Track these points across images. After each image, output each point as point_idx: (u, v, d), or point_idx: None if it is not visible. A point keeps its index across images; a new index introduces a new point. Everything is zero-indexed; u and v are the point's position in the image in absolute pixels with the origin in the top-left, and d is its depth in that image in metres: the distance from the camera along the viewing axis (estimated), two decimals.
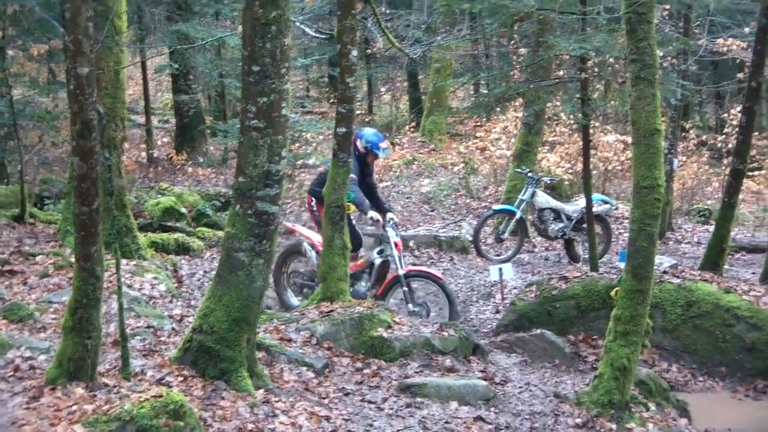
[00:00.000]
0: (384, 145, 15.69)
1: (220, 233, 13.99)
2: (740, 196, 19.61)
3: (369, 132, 15.77)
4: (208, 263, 16.96)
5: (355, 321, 13.22)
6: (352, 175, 14.47)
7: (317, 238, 15.45)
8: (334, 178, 14.06)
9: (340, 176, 14.06)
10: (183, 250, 17.22)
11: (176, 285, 14.87)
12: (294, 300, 15.98)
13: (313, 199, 15.55)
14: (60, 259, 14.95)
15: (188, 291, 14.60)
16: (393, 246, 14.87)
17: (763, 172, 27.85)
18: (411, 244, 19.86)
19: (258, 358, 11.52)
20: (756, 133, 24.39)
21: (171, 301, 13.93)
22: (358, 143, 15.34)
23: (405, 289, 14.86)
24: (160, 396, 9.90)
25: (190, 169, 24.22)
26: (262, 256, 11.16)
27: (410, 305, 14.89)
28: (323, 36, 19.76)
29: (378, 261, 15.27)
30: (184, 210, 19.04)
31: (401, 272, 14.80)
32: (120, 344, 10.80)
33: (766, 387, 14.08)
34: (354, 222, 15.80)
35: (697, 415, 12.90)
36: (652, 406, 12.51)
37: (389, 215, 15.40)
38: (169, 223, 18.33)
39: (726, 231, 17.36)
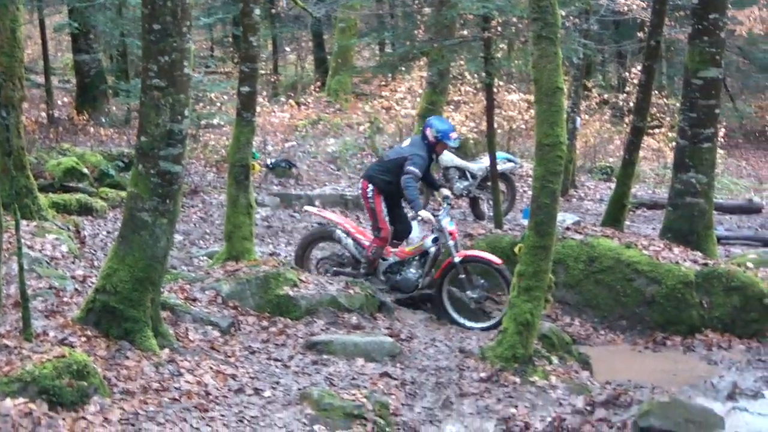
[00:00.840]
0: (455, 135, 14.90)
1: (123, 193, 13.77)
2: (641, 154, 19.84)
3: (439, 121, 15.08)
4: (112, 224, 16.78)
5: (261, 280, 13.17)
6: (416, 171, 14.02)
7: (351, 224, 15.31)
8: (238, 138, 13.99)
9: (244, 135, 13.98)
10: (85, 210, 17.01)
11: (79, 246, 14.70)
12: None
13: (370, 185, 14.58)
14: None
15: (91, 252, 14.44)
16: (448, 236, 14.08)
17: (663, 129, 28.12)
18: (317, 203, 19.81)
19: (163, 317, 11.43)
20: (656, 92, 24.65)
21: (73, 262, 13.77)
22: (428, 132, 14.56)
23: (462, 276, 14.19)
24: (63, 356, 9.80)
25: (92, 130, 23.89)
26: (166, 215, 11.06)
27: (468, 292, 14.27)
28: None
29: (433, 250, 14.49)
30: (86, 170, 18.80)
31: (457, 259, 14.05)
32: (21, 305, 10.66)
33: (665, 339, 14.27)
34: (405, 208, 15.25)
35: (598, 367, 13.03)
36: (555, 360, 12.63)
37: (444, 191, 15.03)
38: (70, 184, 18.09)
39: (627, 188, 17.56)
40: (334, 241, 15.16)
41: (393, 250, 14.71)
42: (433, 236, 14.42)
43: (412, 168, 13.92)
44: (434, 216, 14.23)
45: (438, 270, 14.36)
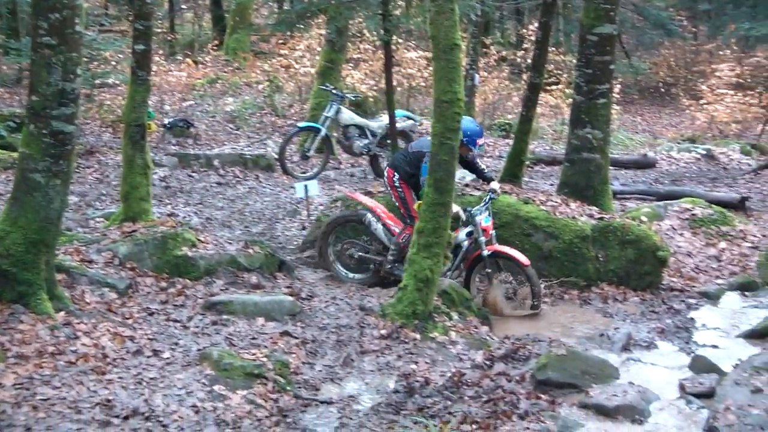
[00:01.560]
0: (481, 141, 14.10)
1: (16, 155, 13.53)
2: (538, 110, 20.00)
3: (470, 123, 13.96)
4: (3, 186, 16.49)
5: (159, 240, 13.04)
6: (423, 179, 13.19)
7: (382, 208, 14.41)
8: (133, 97, 13.79)
9: (139, 95, 13.78)
10: None
11: None
12: (348, 274, 14.62)
13: (395, 174, 13.86)
14: None
15: None
16: (481, 231, 13.58)
17: (560, 86, 28.31)
18: (216, 162, 19.67)
19: (58, 280, 11.28)
20: (553, 49, 24.81)
21: None
22: None
23: (488, 270, 13.79)
24: None
25: None
26: (59, 176, 10.90)
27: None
28: None
29: (465, 244, 13.94)
30: None
31: (485, 252, 13.64)
32: None
33: (562, 293, 14.40)
34: None
35: (497, 322, 13.13)
36: (455, 316, 12.69)
37: (492, 185, 14.19)
38: None
39: (524, 144, 17.68)
40: (363, 225, 14.44)
41: None
42: (467, 230, 13.89)
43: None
44: (466, 211, 13.73)
45: (467, 262, 14.10)
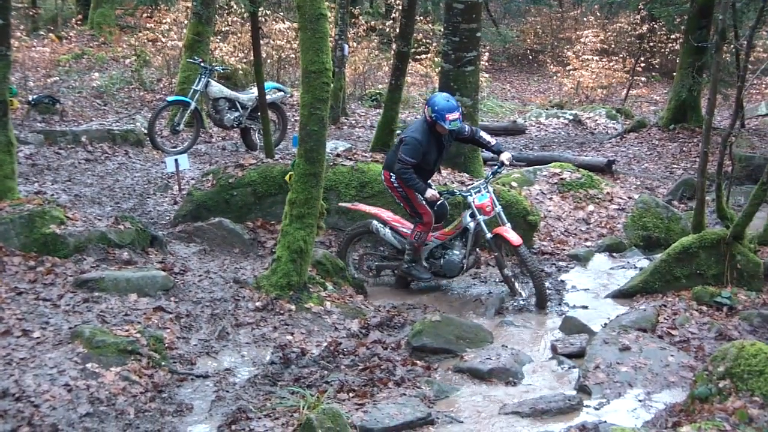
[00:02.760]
0: (453, 116, 12.41)
1: None
2: (408, 79, 20.10)
3: (440, 98, 12.75)
4: None
5: (26, 219, 12.83)
6: (407, 159, 12.51)
7: (387, 213, 13.86)
8: None
9: (0, 70, 13.53)
10: None
11: None
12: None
13: (391, 174, 13.16)
14: None
15: None
16: (477, 211, 12.80)
17: (429, 55, 28.47)
18: (84, 139, 19.40)
19: None
20: (421, 18, 24.93)
21: None
22: (426, 111, 12.87)
23: (496, 253, 13.19)
24: None
25: None
26: None
27: (505, 270, 13.30)
28: None
29: (472, 225, 13.09)
30: None
31: (489, 236, 12.95)
32: None
33: None
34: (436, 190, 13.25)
35: (372, 291, 13.20)
36: (330, 285, 12.74)
37: (503, 156, 13.10)
38: None
39: (394, 113, 17.77)
40: (372, 234, 13.98)
41: (432, 234, 13.47)
42: (468, 212, 13.19)
43: (402, 156, 12.68)
44: (456, 193, 13.24)
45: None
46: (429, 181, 13.02)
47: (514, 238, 12.64)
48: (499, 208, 12.91)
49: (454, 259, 13.36)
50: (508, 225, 12.86)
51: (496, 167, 13.16)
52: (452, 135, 12.65)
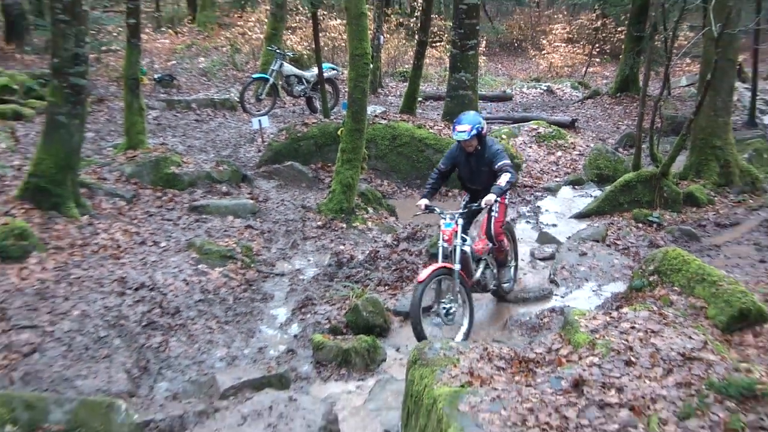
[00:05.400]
0: (460, 128, 8.94)
1: (45, 103, 13.25)
2: (426, 61, 19.93)
3: (462, 115, 9.23)
4: (38, 126, 16.16)
5: (153, 162, 12.92)
6: (440, 164, 9.31)
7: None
8: (129, 58, 13.57)
9: (133, 56, 13.56)
10: (17, 116, 16.32)
11: (14, 143, 14.14)
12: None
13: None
14: None
15: (24, 147, 13.91)
16: (440, 236, 8.76)
17: (442, 43, 28.25)
18: (193, 105, 19.41)
19: (81, 193, 11.16)
20: (436, 15, 24.68)
21: (11, 155, 13.27)
22: None
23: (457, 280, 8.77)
24: (6, 224, 9.54)
25: (18, 56, 22.89)
26: (77, 117, 10.78)
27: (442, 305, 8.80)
28: None
29: (438, 245, 8.96)
30: (16, 86, 18.02)
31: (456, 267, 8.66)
32: None
33: (447, 192, 14.48)
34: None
35: (401, 214, 13.23)
36: (371, 210, 12.75)
37: (485, 198, 8.63)
38: (4, 97, 17.34)
39: (416, 85, 17.65)
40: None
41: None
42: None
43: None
44: (436, 211, 8.90)
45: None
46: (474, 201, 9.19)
47: (422, 275, 8.33)
48: (459, 245, 8.68)
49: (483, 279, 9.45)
50: (457, 266, 8.59)
51: (475, 205, 8.98)
52: (483, 160, 9.03)
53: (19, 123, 15.80)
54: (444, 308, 8.55)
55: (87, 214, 10.86)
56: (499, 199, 8.76)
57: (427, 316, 8.75)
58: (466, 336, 8.57)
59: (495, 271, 9.43)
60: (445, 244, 8.61)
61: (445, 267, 8.41)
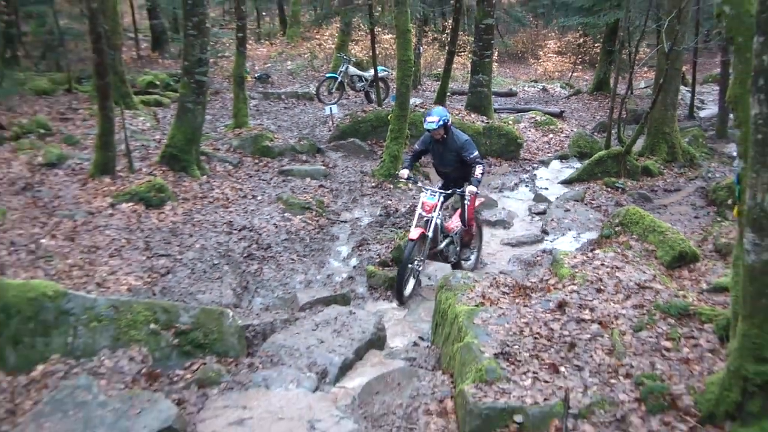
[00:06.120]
0: (429, 119, 7.69)
1: (177, 94, 13.31)
2: (454, 66, 19.57)
3: (433, 109, 7.97)
4: (172, 111, 16.28)
5: (253, 137, 12.93)
6: (416, 144, 8.25)
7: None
8: (237, 62, 13.58)
9: (240, 60, 13.54)
10: (158, 104, 16.43)
11: (156, 123, 14.26)
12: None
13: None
14: (91, 111, 14.12)
15: (162, 126, 14.01)
16: (420, 204, 7.73)
17: (465, 53, 27.80)
18: (282, 96, 19.38)
19: (202, 159, 11.25)
20: (462, 32, 24.25)
21: (153, 131, 13.39)
22: None
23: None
24: (150, 181, 9.64)
25: (160, 61, 23.00)
26: (200, 104, 10.84)
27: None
28: None
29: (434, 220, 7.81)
30: (158, 82, 18.12)
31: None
32: (127, 154, 10.40)
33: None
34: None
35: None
36: (420, 175, 12.68)
37: (468, 187, 7.74)
38: (150, 90, 17.46)
39: (446, 84, 17.27)
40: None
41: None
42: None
43: None
44: (419, 184, 8.56)
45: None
46: (445, 185, 8.26)
47: (414, 234, 7.52)
48: (435, 217, 7.71)
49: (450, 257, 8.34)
50: (430, 234, 7.71)
51: (458, 190, 7.83)
52: (449, 147, 7.90)
53: (159, 109, 15.93)
54: (418, 264, 7.85)
55: (205, 175, 10.95)
56: (478, 190, 7.75)
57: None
58: (409, 292, 7.72)
59: (458, 248, 8.29)
60: (425, 214, 7.66)
61: (423, 232, 7.65)
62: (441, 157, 8.13)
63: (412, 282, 7.79)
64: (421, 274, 8.18)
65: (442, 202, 7.83)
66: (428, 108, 15.40)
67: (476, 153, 7.82)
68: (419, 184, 8.31)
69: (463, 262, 8.52)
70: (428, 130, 7.86)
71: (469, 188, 7.70)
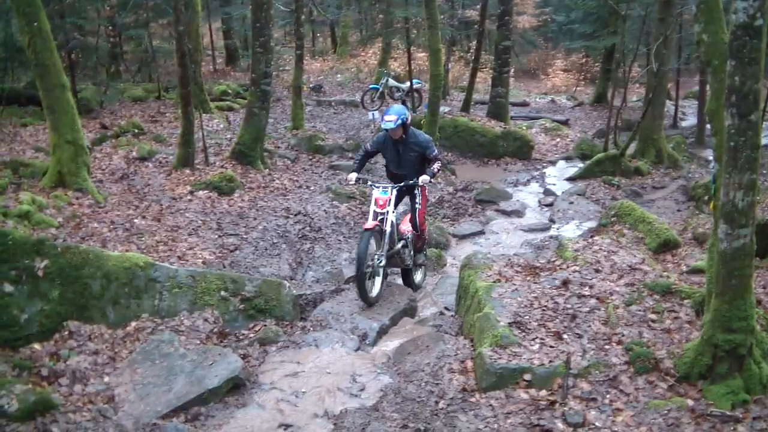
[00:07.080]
0: (387, 117, 6.41)
1: (245, 101, 13.37)
2: (477, 79, 19.27)
3: (393, 107, 6.71)
4: (241, 115, 16.34)
5: (308, 137, 12.92)
6: (367, 144, 6.86)
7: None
8: (296, 74, 13.57)
9: (298, 72, 13.41)
10: (230, 109, 16.50)
11: (228, 125, 14.33)
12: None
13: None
14: (176, 115, 14.25)
15: (233, 127, 14.06)
16: (373, 201, 6.35)
17: (487, 68, 27.41)
18: (333, 103, 19.29)
19: (265, 155, 11.26)
20: (484, 51, 23.90)
21: (225, 132, 13.47)
22: None
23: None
24: (222, 172, 9.70)
25: (233, 74, 23.13)
26: (265, 110, 10.88)
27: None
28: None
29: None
30: (230, 91, 18.21)
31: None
32: (204, 150, 10.47)
33: (487, 161, 14.15)
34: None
35: (459, 174, 12.97)
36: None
37: (422, 177, 6.33)
38: (223, 97, 17.55)
39: (470, 95, 17.11)
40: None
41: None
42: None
43: None
44: (368, 183, 6.76)
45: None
46: (394, 185, 6.49)
47: (369, 225, 6.09)
48: (390, 212, 6.31)
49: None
50: (388, 229, 6.29)
51: (411, 181, 6.39)
52: (409, 147, 6.49)
53: (231, 113, 16.02)
54: (379, 260, 6.26)
55: (268, 169, 10.98)
56: (431, 180, 6.39)
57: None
58: (377, 292, 6.23)
59: (412, 252, 6.81)
60: (378, 209, 6.25)
61: (379, 226, 6.17)
62: (398, 157, 6.57)
63: (378, 280, 6.29)
64: (389, 273, 6.67)
65: (396, 197, 6.44)
66: (455, 116, 15.22)
67: (437, 152, 6.56)
68: (369, 183, 6.69)
69: (414, 277, 7.03)
70: (386, 130, 6.43)
71: (422, 177, 6.34)
